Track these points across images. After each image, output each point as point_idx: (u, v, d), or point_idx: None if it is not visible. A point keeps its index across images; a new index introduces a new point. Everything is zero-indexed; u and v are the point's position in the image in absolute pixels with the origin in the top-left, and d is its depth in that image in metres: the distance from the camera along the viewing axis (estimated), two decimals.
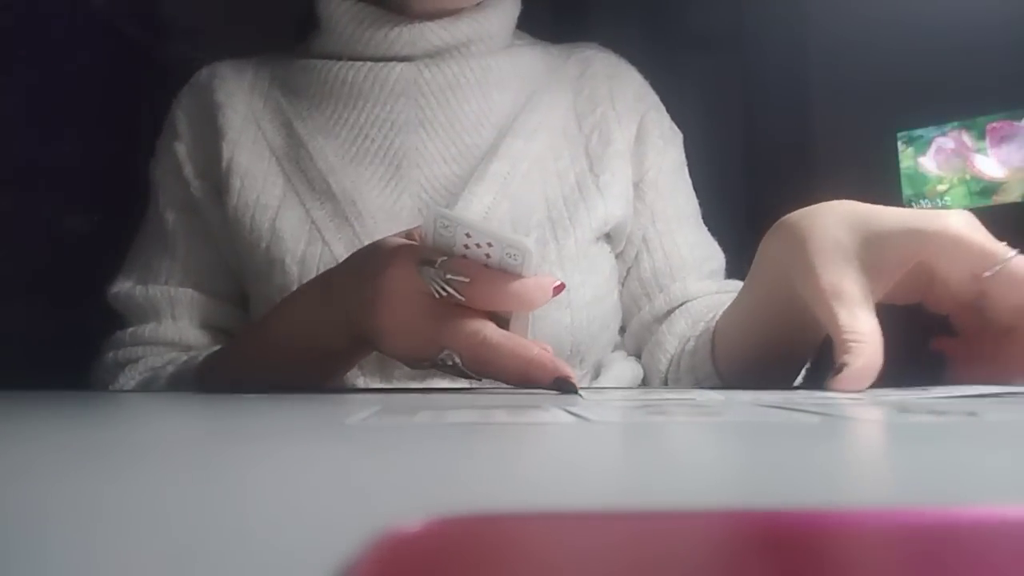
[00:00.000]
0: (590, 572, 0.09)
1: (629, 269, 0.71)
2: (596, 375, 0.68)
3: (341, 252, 0.61)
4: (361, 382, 0.61)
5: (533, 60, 0.71)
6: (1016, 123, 1.66)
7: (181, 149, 0.69)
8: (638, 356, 0.71)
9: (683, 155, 0.76)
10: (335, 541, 0.10)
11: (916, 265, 0.44)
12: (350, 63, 0.66)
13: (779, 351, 0.54)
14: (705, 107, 1.70)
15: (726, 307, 0.59)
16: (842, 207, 0.46)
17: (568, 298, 0.62)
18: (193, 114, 0.70)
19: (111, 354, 0.67)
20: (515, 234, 0.45)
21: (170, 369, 0.61)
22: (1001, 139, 1.68)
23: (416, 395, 0.43)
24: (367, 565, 0.08)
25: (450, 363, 0.44)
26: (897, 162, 1.77)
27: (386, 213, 0.63)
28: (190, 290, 0.67)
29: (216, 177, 0.67)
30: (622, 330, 0.72)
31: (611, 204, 0.67)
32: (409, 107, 0.66)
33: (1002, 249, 0.43)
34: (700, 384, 0.61)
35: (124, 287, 0.68)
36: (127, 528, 0.11)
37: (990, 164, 1.69)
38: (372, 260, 0.47)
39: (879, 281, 0.44)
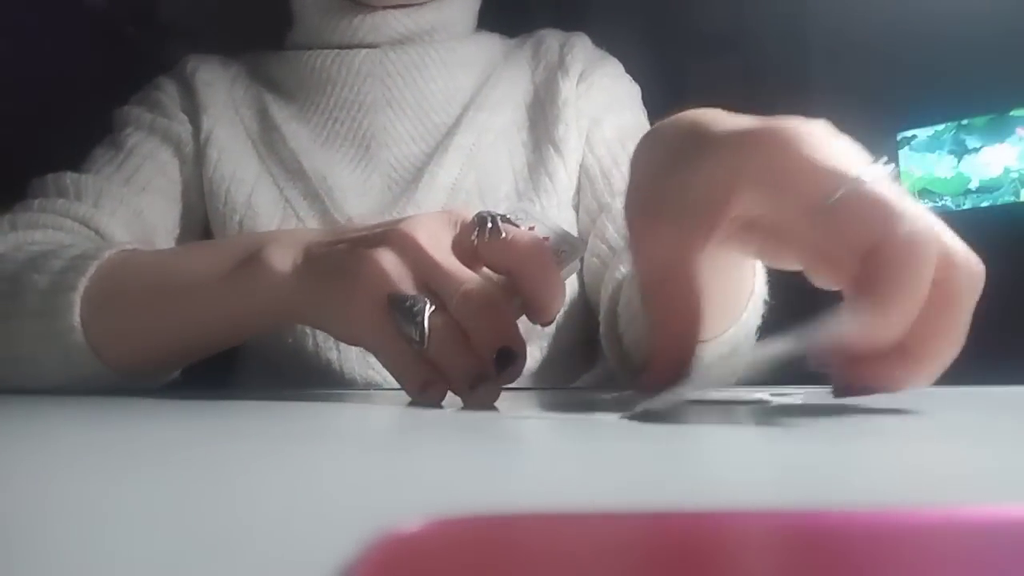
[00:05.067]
0: (589, 572, 0.09)
1: (593, 222, 0.65)
2: (569, 356, 0.65)
3: (315, 227, 0.63)
4: (335, 356, 0.60)
5: (492, 45, 0.73)
6: (1015, 123, 1.66)
7: (165, 97, 0.69)
8: (596, 300, 0.63)
9: (638, 104, 0.72)
10: (335, 541, 0.10)
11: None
12: (319, 51, 0.69)
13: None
14: (705, 107, 1.69)
15: None
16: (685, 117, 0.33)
17: None
18: (178, 83, 0.70)
19: (7, 216, 0.57)
20: (573, 233, 0.41)
21: (73, 253, 0.46)
22: (1000, 138, 1.68)
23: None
24: (367, 565, 0.08)
25: (419, 307, 0.34)
26: (897, 162, 1.78)
27: (356, 191, 0.65)
28: (126, 192, 0.61)
29: (197, 136, 0.67)
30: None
31: (569, 160, 0.66)
32: (376, 87, 0.67)
33: (847, 165, 0.27)
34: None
35: (54, 173, 0.62)
36: (128, 528, 0.11)
37: (989, 163, 1.69)
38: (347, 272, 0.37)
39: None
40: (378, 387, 0.57)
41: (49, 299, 0.44)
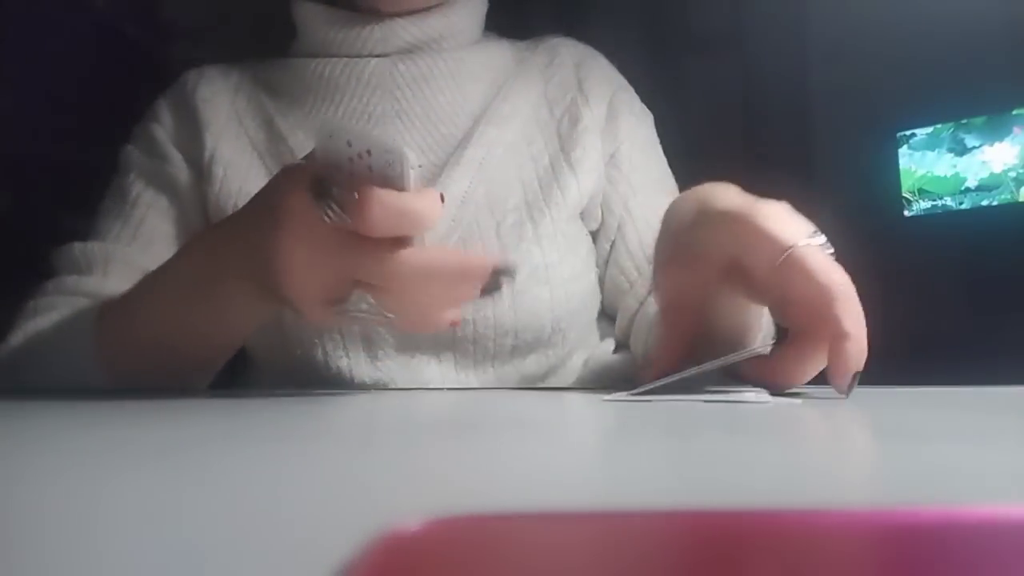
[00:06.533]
0: (588, 571, 0.09)
1: (613, 243, 0.70)
2: (572, 355, 0.67)
3: None
4: (345, 363, 0.60)
5: (503, 53, 0.73)
6: (1013, 122, 1.66)
7: (160, 132, 0.70)
8: (627, 345, 0.70)
9: (654, 134, 0.76)
10: (335, 541, 0.10)
11: (732, 261, 0.41)
12: (327, 59, 0.68)
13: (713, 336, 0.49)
14: (705, 107, 1.70)
15: None
16: (700, 190, 0.45)
17: (547, 275, 0.63)
18: (177, 106, 0.71)
19: (31, 302, 0.63)
20: (391, 139, 0.38)
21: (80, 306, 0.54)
22: (998, 137, 1.68)
23: (409, 392, 0.43)
24: (367, 565, 0.09)
25: (363, 307, 0.38)
26: (897, 162, 1.78)
27: None
28: (132, 252, 0.65)
29: (197, 163, 0.68)
30: (605, 315, 0.71)
31: (583, 179, 0.68)
32: (385, 99, 0.67)
33: (794, 236, 0.38)
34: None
35: (67, 245, 0.66)
36: (130, 528, 0.11)
37: (987, 162, 1.69)
38: (271, 188, 0.42)
39: (700, 271, 0.42)
40: (385, 388, 0.57)
41: (68, 346, 0.52)
